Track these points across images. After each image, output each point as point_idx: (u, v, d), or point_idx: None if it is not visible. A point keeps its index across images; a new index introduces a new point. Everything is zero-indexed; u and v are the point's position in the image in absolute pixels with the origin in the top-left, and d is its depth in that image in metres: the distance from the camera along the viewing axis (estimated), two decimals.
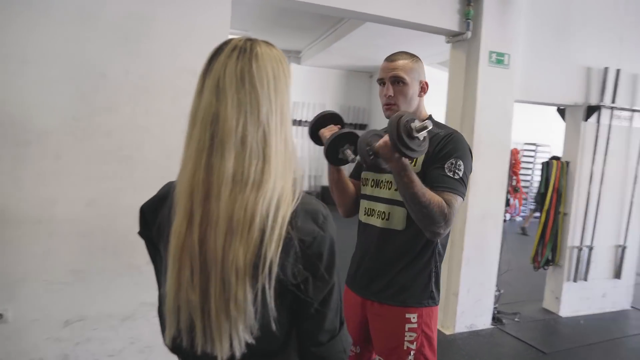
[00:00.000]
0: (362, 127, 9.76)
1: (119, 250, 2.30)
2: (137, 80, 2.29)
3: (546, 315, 4.01)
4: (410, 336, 1.53)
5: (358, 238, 1.74)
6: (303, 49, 8.73)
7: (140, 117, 2.31)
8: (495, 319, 3.69)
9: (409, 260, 1.56)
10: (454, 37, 3.42)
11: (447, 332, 3.47)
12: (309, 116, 9.23)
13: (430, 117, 1.64)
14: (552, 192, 3.96)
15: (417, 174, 1.47)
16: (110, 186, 2.27)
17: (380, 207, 1.60)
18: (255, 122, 0.72)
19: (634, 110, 4.00)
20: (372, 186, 1.66)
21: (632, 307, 4.33)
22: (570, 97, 3.82)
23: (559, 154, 5.13)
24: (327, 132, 1.64)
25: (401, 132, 1.26)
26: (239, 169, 0.70)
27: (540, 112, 10.84)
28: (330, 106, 9.56)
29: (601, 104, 3.81)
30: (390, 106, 1.59)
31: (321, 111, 1.72)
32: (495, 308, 3.72)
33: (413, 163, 1.51)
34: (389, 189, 1.58)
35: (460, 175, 1.45)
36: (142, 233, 0.91)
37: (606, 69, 3.82)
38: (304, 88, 9.10)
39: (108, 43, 2.24)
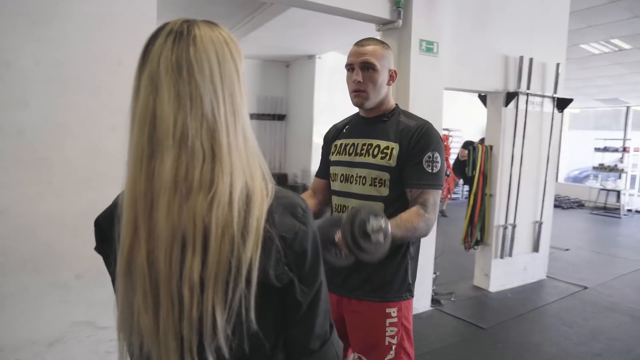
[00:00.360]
0: (280, 117, 9.62)
1: (41, 266, 1.99)
2: (50, 70, 1.98)
3: (477, 292, 4.23)
4: (391, 331, 1.50)
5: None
6: None
7: (56, 113, 2.00)
8: (434, 301, 3.81)
9: (387, 254, 1.51)
10: (384, 25, 3.42)
11: None
12: None
13: (396, 107, 1.60)
14: (479, 175, 4.16)
15: (392, 168, 1.47)
16: (26, 193, 1.95)
17: (354, 203, 1.55)
18: (197, 117, 0.63)
19: (544, 96, 4.32)
20: (341, 181, 1.60)
21: (547, 276, 4.72)
22: (491, 84, 4.02)
23: (470, 138, 5.43)
24: None
25: (355, 233, 1.15)
26: (180, 172, 0.62)
27: (452, 98, 11.49)
28: (246, 96, 9.27)
29: (518, 90, 4.06)
30: (359, 93, 1.52)
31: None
32: (432, 290, 3.84)
33: (387, 157, 1.48)
34: (362, 184, 1.53)
35: (438, 167, 1.47)
36: (98, 248, 0.79)
37: (521, 58, 4.07)
38: None
39: (11, 26, 1.90)
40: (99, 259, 2.27)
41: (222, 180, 0.63)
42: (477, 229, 4.17)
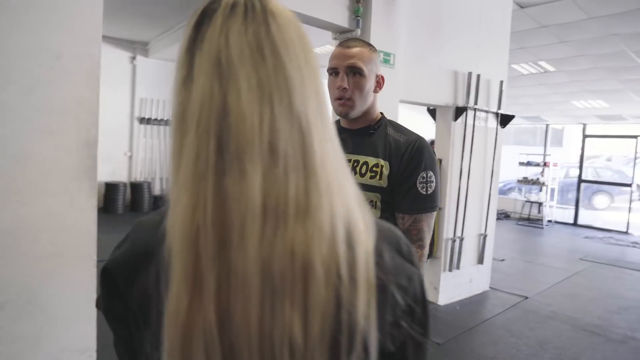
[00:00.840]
0: None
1: None
2: None
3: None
4: None
5: None
6: (151, 40, 7.89)
7: None
8: None
9: None
10: (341, 33, 3.33)
11: None
12: (159, 114, 8.40)
13: (383, 117, 1.46)
14: None
15: (384, 188, 1.34)
16: None
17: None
18: (287, 115, 0.46)
19: (488, 112, 4.45)
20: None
21: (490, 287, 4.84)
22: (442, 98, 4.06)
23: None
24: None
25: None
26: (271, 191, 0.44)
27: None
28: None
29: (467, 105, 4.14)
30: (344, 101, 1.35)
31: None
32: None
33: (377, 177, 1.34)
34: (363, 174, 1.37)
35: (433, 188, 1.34)
36: (105, 304, 0.55)
37: (470, 74, 4.16)
38: (152, 83, 8.23)
39: None
40: (24, 286, 1.88)
41: (320, 203, 0.45)
42: None
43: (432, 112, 4.37)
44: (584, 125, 10.14)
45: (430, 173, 1.34)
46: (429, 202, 1.33)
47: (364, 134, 1.42)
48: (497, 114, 4.52)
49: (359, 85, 1.34)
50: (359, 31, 3.20)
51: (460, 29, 4.11)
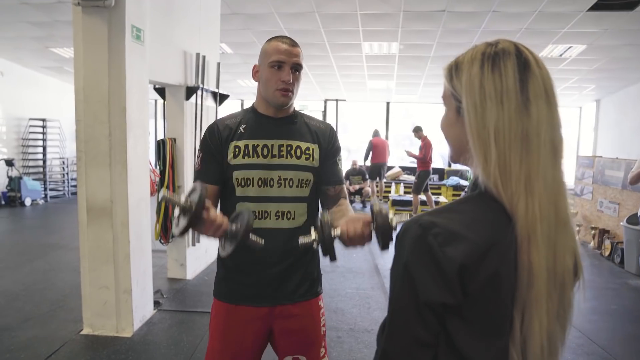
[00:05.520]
0: None
1: None
2: None
3: (179, 283, 4.28)
4: (323, 320, 1.64)
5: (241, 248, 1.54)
6: None
7: None
8: (155, 303, 3.64)
9: (312, 250, 1.59)
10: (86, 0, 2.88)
11: (128, 335, 3.15)
12: None
13: (295, 110, 1.63)
14: (169, 168, 4.17)
15: (316, 168, 1.58)
16: None
17: (275, 207, 1.56)
18: None
19: (209, 91, 4.73)
20: (259, 186, 1.52)
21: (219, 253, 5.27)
22: (176, 78, 4.07)
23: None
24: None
25: (391, 229, 1.20)
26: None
27: (54, 86, 10.18)
28: None
29: (197, 85, 4.30)
30: (287, 92, 1.52)
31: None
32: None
33: (311, 158, 1.55)
34: (289, 186, 1.55)
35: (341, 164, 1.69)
36: (445, 301, 0.69)
37: (197, 54, 4.31)
38: None
39: None
40: None
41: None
42: (172, 221, 4.17)
43: (160, 91, 4.30)
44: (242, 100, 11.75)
45: (341, 152, 1.67)
46: (343, 175, 1.69)
47: (289, 123, 1.58)
48: (215, 93, 4.86)
49: (298, 80, 1.54)
50: (112, 1, 2.86)
51: (187, 9, 4.18)
